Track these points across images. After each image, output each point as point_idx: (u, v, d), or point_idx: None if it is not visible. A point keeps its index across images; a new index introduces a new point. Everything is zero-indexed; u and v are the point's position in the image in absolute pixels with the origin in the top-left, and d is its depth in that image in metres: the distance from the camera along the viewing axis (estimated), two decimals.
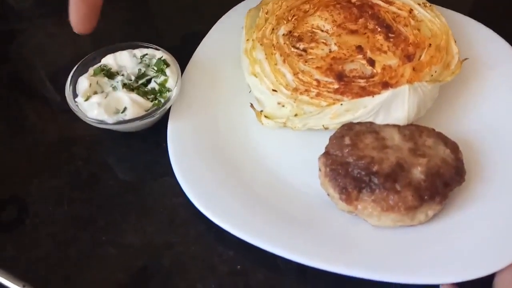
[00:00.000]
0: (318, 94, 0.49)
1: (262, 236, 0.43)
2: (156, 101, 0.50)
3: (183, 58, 0.56)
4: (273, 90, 0.50)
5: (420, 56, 0.51)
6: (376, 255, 0.42)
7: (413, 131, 0.46)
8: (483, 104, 0.53)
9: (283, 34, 0.54)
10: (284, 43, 0.53)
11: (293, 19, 0.55)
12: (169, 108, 0.52)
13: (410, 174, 0.42)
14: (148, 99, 0.50)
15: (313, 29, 0.54)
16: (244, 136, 0.52)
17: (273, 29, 0.54)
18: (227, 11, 0.62)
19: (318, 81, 0.50)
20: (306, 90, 0.49)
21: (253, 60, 0.52)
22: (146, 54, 0.53)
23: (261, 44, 0.53)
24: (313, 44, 0.53)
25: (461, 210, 0.44)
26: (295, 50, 0.52)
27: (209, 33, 0.59)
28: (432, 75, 0.50)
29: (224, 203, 0.45)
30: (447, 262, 0.41)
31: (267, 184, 0.48)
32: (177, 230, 0.47)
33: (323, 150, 0.47)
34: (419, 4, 0.56)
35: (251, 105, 0.52)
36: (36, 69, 0.64)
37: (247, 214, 0.44)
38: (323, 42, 0.53)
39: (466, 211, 0.44)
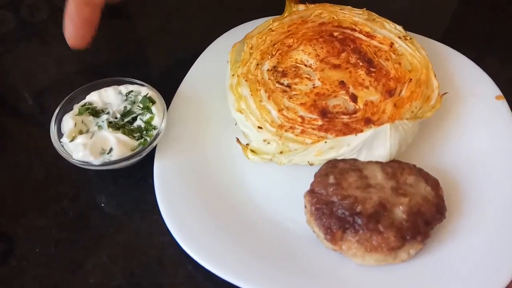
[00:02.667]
0: (302, 131, 0.50)
1: (249, 278, 0.43)
2: (142, 140, 0.51)
3: (169, 88, 0.57)
4: (259, 127, 0.50)
5: (401, 91, 0.53)
6: None
7: (395, 168, 0.47)
8: (462, 137, 0.54)
9: (268, 70, 0.54)
10: (268, 79, 0.54)
11: (277, 54, 0.56)
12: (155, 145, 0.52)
13: (393, 214, 0.43)
14: (134, 137, 0.51)
15: (297, 64, 0.55)
16: (230, 171, 0.52)
17: (257, 64, 0.55)
18: (214, 38, 0.63)
19: (302, 117, 0.50)
20: (291, 127, 0.50)
21: (238, 96, 0.53)
22: (132, 91, 0.54)
23: (246, 80, 0.53)
24: (297, 80, 0.54)
25: (442, 246, 0.45)
26: (280, 86, 0.53)
27: (194, 65, 0.60)
28: (412, 111, 0.51)
29: (211, 245, 0.45)
30: None
31: (254, 222, 0.48)
32: (166, 270, 0.47)
33: (308, 185, 0.48)
34: (399, 38, 0.57)
35: (237, 140, 0.53)
36: (20, 97, 0.64)
37: (233, 255, 0.45)
38: (306, 77, 0.54)
39: (447, 247, 0.45)
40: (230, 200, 0.50)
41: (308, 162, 0.50)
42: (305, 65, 0.55)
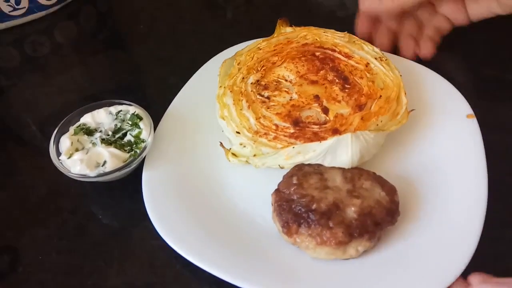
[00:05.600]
0: (275, 137, 0.55)
1: (223, 268, 0.48)
2: (133, 152, 0.57)
3: (160, 110, 0.63)
4: (237, 132, 0.57)
5: (371, 106, 0.57)
6: (311, 284, 0.47)
7: (355, 174, 0.52)
8: (429, 151, 0.58)
9: (252, 83, 0.61)
10: (251, 91, 0.60)
11: (262, 69, 0.62)
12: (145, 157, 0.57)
13: (344, 213, 0.48)
14: (125, 151, 0.57)
15: (279, 79, 0.61)
16: (213, 177, 0.58)
17: (243, 78, 0.62)
18: (202, 64, 0.69)
19: (276, 125, 0.56)
20: (265, 134, 0.56)
21: (222, 104, 0.59)
22: (121, 110, 0.60)
23: (231, 91, 0.60)
24: (276, 92, 0.60)
25: (392, 247, 0.49)
26: (260, 97, 0.59)
27: (188, 82, 0.66)
28: (377, 125, 0.56)
29: (195, 243, 0.50)
30: None
31: (231, 221, 0.53)
32: (156, 271, 0.52)
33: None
34: (376, 58, 0.62)
35: (221, 144, 0.59)
36: (23, 125, 0.70)
37: (214, 251, 0.50)
38: (285, 91, 0.60)
39: (396, 248, 0.49)
40: (212, 203, 0.55)
41: (279, 165, 0.55)
42: (286, 80, 0.61)
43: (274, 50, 0.65)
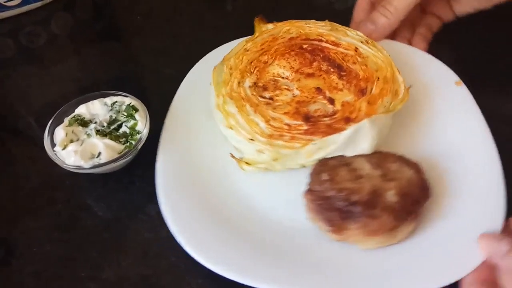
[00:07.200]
0: (292, 138, 0.54)
1: (258, 276, 0.46)
2: (128, 144, 0.56)
3: (154, 102, 0.62)
4: (250, 139, 0.54)
5: (372, 89, 0.58)
6: (365, 276, 0.46)
7: (379, 158, 0.52)
8: (432, 125, 0.60)
9: (249, 86, 0.58)
10: (251, 94, 0.58)
11: (255, 71, 0.60)
12: (141, 149, 0.56)
13: (385, 198, 0.48)
14: (120, 142, 0.55)
15: (275, 77, 0.60)
16: (228, 183, 0.55)
17: (239, 82, 0.59)
18: (197, 55, 0.67)
19: (288, 125, 0.54)
20: (280, 135, 0.54)
21: (226, 114, 0.56)
22: (116, 101, 0.59)
23: (231, 98, 0.57)
24: (277, 92, 0.58)
25: (432, 224, 0.50)
26: (263, 100, 0.57)
27: (178, 89, 0.63)
28: (385, 106, 0.56)
29: (218, 249, 0.48)
30: (428, 271, 0.46)
31: (255, 225, 0.51)
32: (150, 262, 0.51)
33: (300, 186, 0.51)
34: (362, 42, 0.63)
35: (231, 155, 0.56)
36: (19, 115, 0.69)
37: (238, 256, 0.48)
38: (286, 88, 0.58)
39: (436, 225, 0.50)
40: (231, 208, 0.53)
41: (301, 164, 0.54)
42: (282, 78, 0.60)
43: (262, 49, 0.63)
